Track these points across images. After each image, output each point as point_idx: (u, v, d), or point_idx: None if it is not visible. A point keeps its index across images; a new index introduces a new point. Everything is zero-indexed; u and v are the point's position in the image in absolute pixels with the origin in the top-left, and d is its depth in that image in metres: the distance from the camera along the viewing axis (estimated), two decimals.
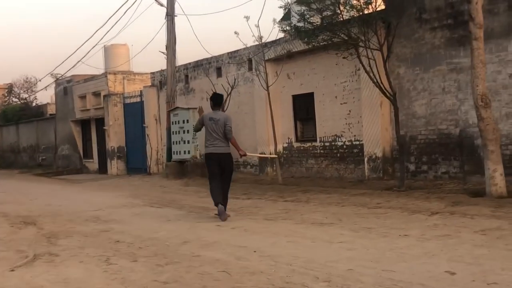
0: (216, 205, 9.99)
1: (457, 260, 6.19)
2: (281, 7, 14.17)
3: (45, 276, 6.46)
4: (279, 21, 16.91)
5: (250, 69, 18.81)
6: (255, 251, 7.22)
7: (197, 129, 11.01)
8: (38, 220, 11.11)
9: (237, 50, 19.61)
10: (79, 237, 9.01)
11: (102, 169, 26.96)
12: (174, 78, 20.68)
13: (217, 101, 10.65)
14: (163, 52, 20.77)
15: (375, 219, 9.35)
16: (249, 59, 18.80)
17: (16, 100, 44.63)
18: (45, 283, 6.18)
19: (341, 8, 13.11)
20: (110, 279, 6.18)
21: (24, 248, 8.16)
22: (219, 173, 10.23)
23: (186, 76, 22.28)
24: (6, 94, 46.44)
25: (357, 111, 15.20)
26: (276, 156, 11.26)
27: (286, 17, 20.10)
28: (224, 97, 10.87)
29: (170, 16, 20.00)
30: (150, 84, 24.71)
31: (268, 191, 14.26)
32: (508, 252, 6.45)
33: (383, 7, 13.83)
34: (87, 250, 7.88)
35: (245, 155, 10.84)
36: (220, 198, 10.02)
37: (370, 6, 13.08)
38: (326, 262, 6.43)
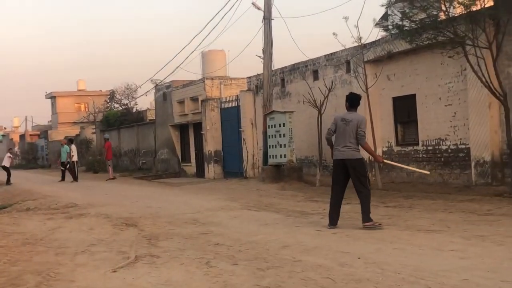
0: (329, 224, 9.24)
1: None
2: (383, 5, 13.69)
3: (146, 278, 6.43)
4: (378, 21, 16.41)
5: (348, 71, 18.39)
6: (359, 258, 6.89)
7: (329, 134, 9.48)
8: (139, 222, 11.24)
9: (334, 52, 19.25)
10: (179, 239, 9.00)
11: (200, 172, 27.31)
12: (271, 82, 20.57)
13: (352, 101, 9.47)
14: (259, 56, 20.72)
15: (487, 226, 8.76)
16: (347, 61, 18.38)
17: (118, 106, 46.28)
18: (147, 285, 6.13)
19: (447, 5, 12.48)
20: (212, 282, 6.05)
21: (126, 249, 8.22)
22: (342, 184, 9.30)
23: (282, 79, 22.14)
24: (108, 100, 48.34)
25: (463, 113, 14.44)
26: (429, 172, 10.11)
27: (385, 17, 19.55)
28: (359, 98, 9.64)
29: (267, 19, 19.91)
30: (246, 88, 24.77)
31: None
32: None
33: (491, 3, 13.03)
34: (187, 252, 7.82)
35: (382, 162, 9.83)
36: (334, 217, 9.20)
37: (478, 2, 12.37)
38: (437, 271, 6.00)
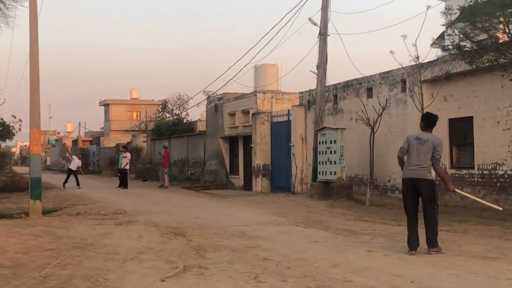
0: (409, 250, 8.72)
1: None
2: (443, 25, 13.42)
3: None
4: (436, 40, 16.11)
5: (403, 90, 18.09)
6: (412, 282, 6.71)
7: (401, 152, 9.11)
8: (187, 232, 11.24)
9: (390, 71, 18.99)
10: (227, 251, 8.94)
11: (247, 185, 27.29)
12: (323, 98, 20.44)
13: (428, 121, 9.15)
14: (313, 72, 20.64)
15: None
16: (403, 79, 18.09)
17: (169, 115, 46.79)
18: None
19: (510, 26, 12.14)
20: None
21: (174, 259, 8.21)
22: (414, 205, 8.92)
23: (335, 96, 21.96)
24: (160, 110, 48.95)
25: None
26: (501, 209, 9.68)
27: (442, 36, 19.19)
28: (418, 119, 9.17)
29: (323, 35, 19.82)
30: (297, 103, 24.68)
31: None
32: None
33: None
34: (235, 265, 7.75)
35: (454, 190, 9.27)
36: (413, 241, 8.71)
37: None
38: None
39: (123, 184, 27.38)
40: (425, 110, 15.54)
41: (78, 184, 27.70)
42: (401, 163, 9.24)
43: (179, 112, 45.52)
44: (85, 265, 7.86)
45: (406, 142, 9.07)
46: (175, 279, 6.87)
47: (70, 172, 28.62)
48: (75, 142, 73.15)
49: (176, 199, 21.19)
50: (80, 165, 29.60)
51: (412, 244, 8.77)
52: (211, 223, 12.85)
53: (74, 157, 29.86)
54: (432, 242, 8.66)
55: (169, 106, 47.35)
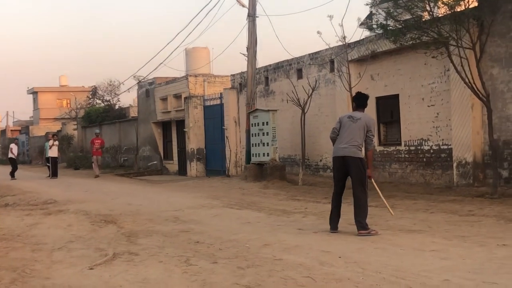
0: (330, 229, 8.79)
1: None
2: (367, 4, 13.65)
3: (123, 276, 6.32)
4: (363, 20, 16.37)
5: (332, 70, 18.36)
6: (340, 257, 6.84)
7: (333, 133, 9.02)
8: (118, 219, 11.10)
9: (318, 51, 19.21)
10: (158, 236, 8.89)
11: (182, 170, 27.15)
12: (254, 80, 20.50)
13: (360, 101, 9.05)
14: (243, 54, 20.64)
15: (468, 227, 8.75)
16: (331, 60, 18.35)
17: (100, 102, 45.89)
18: (124, 282, 6.02)
19: (431, 5, 12.46)
20: (190, 281, 5.95)
21: (104, 247, 8.10)
22: (341, 184, 8.89)
23: (266, 78, 22.06)
24: (90, 96, 47.90)
25: (446, 114, 14.46)
26: (393, 214, 9.78)
27: (370, 17, 19.53)
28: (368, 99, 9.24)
29: (252, 17, 19.83)
30: (230, 86, 24.67)
31: (350, 195, 13.71)
32: None
33: (476, 4, 13.05)
34: (166, 250, 7.71)
35: (370, 177, 9.00)
36: (334, 221, 8.79)
37: (462, 3, 12.36)
38: (419, 271, 5.96)
39: (54, 173, 26.72)
40: (353, 90, 15.85)
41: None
42: (334, 143, 9.12)
43: (110, 98, 44.68)
44: (12, 256, 7.65)
45: (338, 123, 8.99)
46: (104, 266, 6.77)
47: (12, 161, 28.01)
48: (3, 132, 70.82)
49: (109, 186, 20.87)
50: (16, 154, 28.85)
51: (332, 224, 8.81)
52: (143, 209, 12.73)
53: (12, 145, 29.13)
54: (360, 223, 8.48)
55: (100, 92, 46.37)
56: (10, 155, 28.77)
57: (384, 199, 9.52)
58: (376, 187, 9.68)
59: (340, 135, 8.87)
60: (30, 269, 6.75)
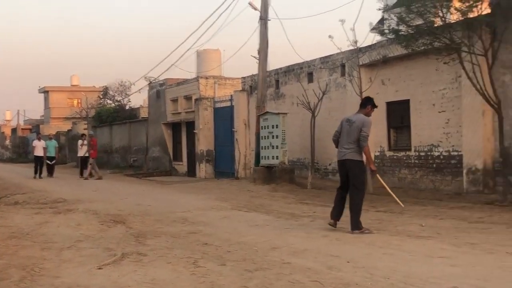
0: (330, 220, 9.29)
1: None
2: (379, 9, 13.64)
3: (132, 276, 6.33)
4: (375, 25, 16.34)
5: (342, 74, 18.36)
6: (348, 262, 6.82)
7: (335, 136, 9.50)
8: (127, 219, 11.12)
9: (329, 55, 19.21)
10: (167, 237, 8.90)
11: (191, 172, 27.20)
12: (265, 83, 20.50)
13: (361, 103, 9.61)
14: (255, 57, 20.63)
15: (477, 234, 8.71)
16: (342, 64, 18.35)
17: (111, 102, 46.02)
18: (132, 283, 6.04)
19: (444, 11, 12.44)
20: (198, 282, 5.96)
21: (113, 247, 8.12)
22: (345, 184, 9.26)
23: (277, 81, 22.08)
24: (101, 96, 48.08)
25: (457, 120, 14.41)
26: (403, 206, 10.02)
27: (381, 21, 19.51)
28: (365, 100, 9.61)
29: (264, 20, 19.83)
30: (240, 88, 24.69)
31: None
32: None
33: (488, 10, 13.00)
34: (175, 251, 7.72)
35: (375, 172, 9.65)
36: (334, 213, 9.25)
37: (475, 10, 12.33)
38: (428, 278, 5.94)
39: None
40: (363, 94, 15.82)
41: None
42: (336, 145, 9.51)
43: (121, 98, 44.82)
44: (21, 254, 7.68)
45: (339, 125, 9.39)
46: (113, 266, 6.79)
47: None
48: (14, 130, 71.24)
49: (118, 186, 20.93)
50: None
51: (333, 215, 9.25)
52: (152, 210, 12.75)
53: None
54: (352, 224, 8.86)
55: (111, 92, 46.52)
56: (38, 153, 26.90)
57: (391, 192, 9.95)
58: (382, 181, 10.18)
59: (341, 138, 9.27)
60: (39, 268, 6.78)
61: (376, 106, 9.54)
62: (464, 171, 13.96)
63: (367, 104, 9.41)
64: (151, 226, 10.26)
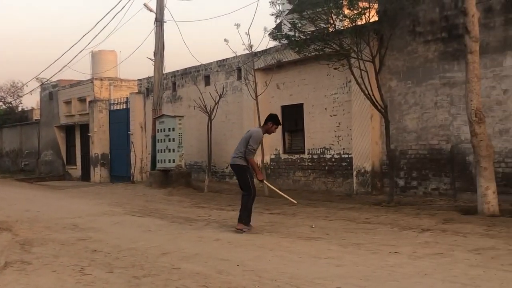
0: None
1: (452, 280, 5.86)
2: (272, 14, 13.88)
3: (14, 286, 6.09)
4: (272, 30, 16.60)
5: (239, 78, 18.50)
6: (238, 265, 6.87)
7: None
8: (14, 226, 10.67)
9: (226, 59, 19.31)
10: (54, 245, 8.60)
11: (85, 176, 26.47)
12: (161, 85, 20.29)
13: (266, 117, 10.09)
14: (150, 59, 20.39)
15: (364, 234, 9.01)
16: (239, 68, 18.50)
17: (1, 104, 43.98)
18: None
19: (334, 17, 12.83)
20: None
21: None
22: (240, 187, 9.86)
23: (174, 83, 21.93)
24: None
25: (347, 124, 14.91)
26: (296, 202, 10.54)
27: (278, 27, 19.86)
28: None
29: (159, 22, 19.64)
30: (136, 91, 24.32)
31: (253, 203, 13.85)
32: (505, 273, 6.13)
33: (376, 18, 13.56)
34: (61, 259, 7.48)
35: (262, 181, 10.23)
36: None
37: (363, 17, 12.82)
38: (313, 279, 6.08)
39: None
40: (259, 98, 16.04)
41: None
42: None
43: (12, 100, 42.92)
44: None
45: None
46: None
47: None
48: None
49: (7, 192, 20.02)
50: None
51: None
52: (42, 216, 12.31)
53: None
54: (239, 219, 9.46)
55: (1, 93, 44.44)
56: None
57: (282, 193, 10.33)
58: (270, 185, 10.87)
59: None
60: None
61: (279, 123, 10.02)
62: (354, 173, 14.46)
63: (268, 120, 9.90)
64: (39, 233, 9.89)
